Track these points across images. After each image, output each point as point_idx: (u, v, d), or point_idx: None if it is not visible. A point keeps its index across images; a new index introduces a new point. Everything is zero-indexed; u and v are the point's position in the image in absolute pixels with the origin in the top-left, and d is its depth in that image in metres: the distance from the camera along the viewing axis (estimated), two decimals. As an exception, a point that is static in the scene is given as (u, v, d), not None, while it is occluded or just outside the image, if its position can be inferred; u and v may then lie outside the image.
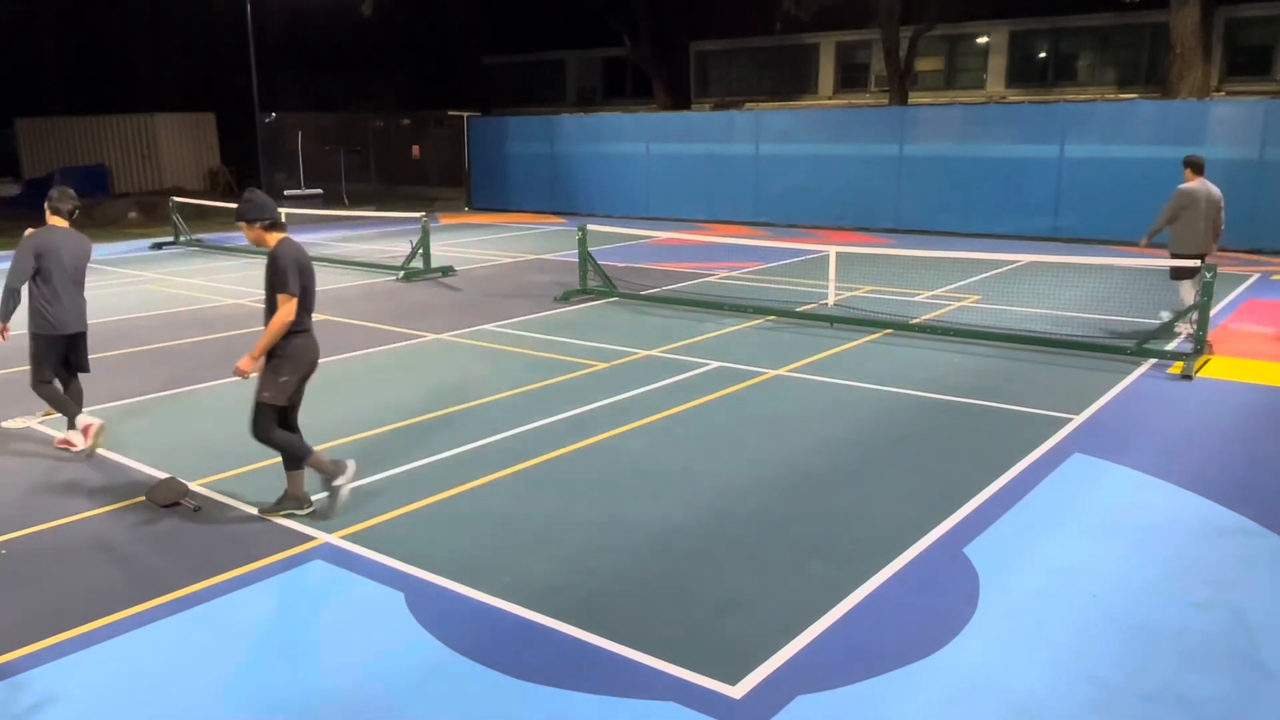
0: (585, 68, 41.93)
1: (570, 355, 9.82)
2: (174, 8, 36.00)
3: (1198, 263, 9.71)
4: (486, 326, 11.37)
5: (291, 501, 5.83)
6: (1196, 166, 10.42)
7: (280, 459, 5.82)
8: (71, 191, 7.21)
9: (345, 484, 5.76)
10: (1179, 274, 10.30)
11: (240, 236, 21.52)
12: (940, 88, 32.31)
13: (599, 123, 26.64)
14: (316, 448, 5.81)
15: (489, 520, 5.78)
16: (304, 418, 7.77)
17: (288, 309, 5.46)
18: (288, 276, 5.46)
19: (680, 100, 35.14)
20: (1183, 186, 10.30)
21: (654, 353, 9.91)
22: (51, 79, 39.03)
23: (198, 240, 20.15)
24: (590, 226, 13.73)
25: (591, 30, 36.38)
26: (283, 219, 5.67)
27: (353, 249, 19.09)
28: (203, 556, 5.31)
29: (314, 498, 5.87)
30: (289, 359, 5.59)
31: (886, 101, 27.49)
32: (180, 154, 32.90)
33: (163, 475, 6.36)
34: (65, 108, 36.59)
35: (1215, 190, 10.27)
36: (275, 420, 5.68)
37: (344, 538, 5.52)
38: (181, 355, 10.08)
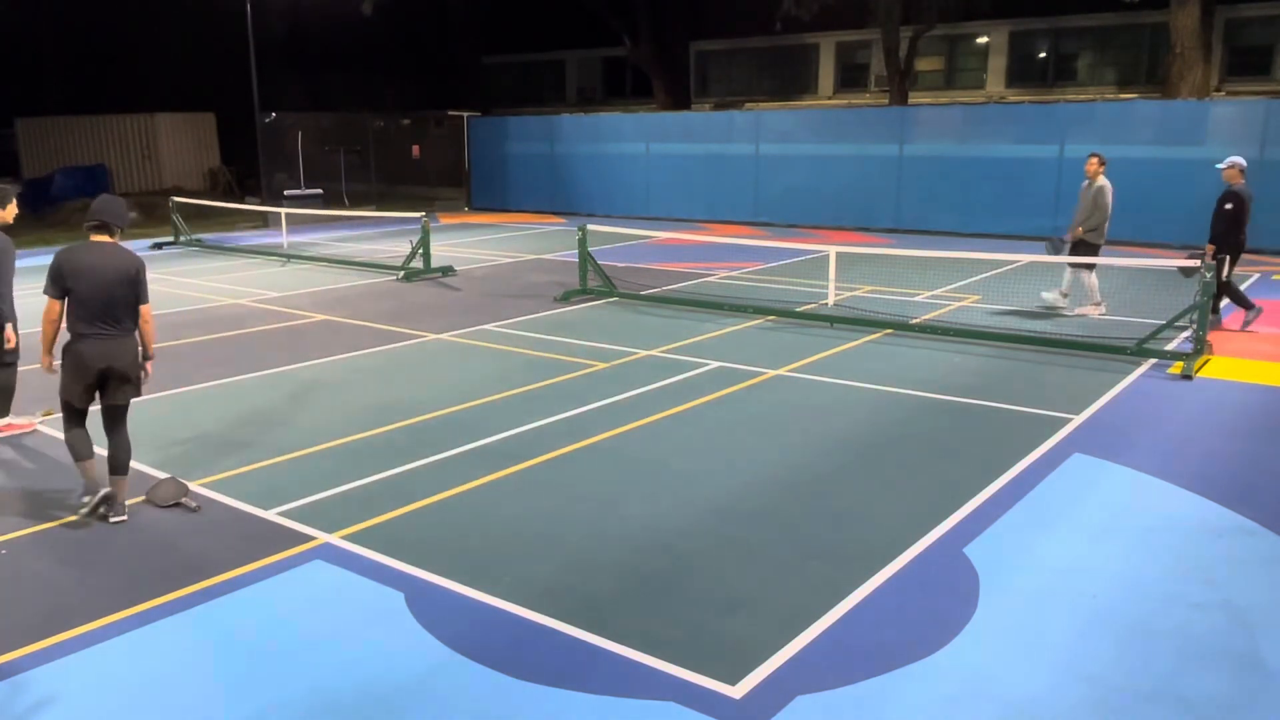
0: (585, 68, 41.92)
1: (570, 355, 9.82)
2: (174, 8, 35.99)
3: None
4: (486, 326, 11.38)
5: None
6: (1106, 164, 11.47)
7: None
8: None
9: (87, 504, 5.85)
10: (1085, 262, 11.44)
11: (240, 237, 21.62)
12: (940, 88, 32.30)
13: (599, 123, 26.63)
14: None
15: (489, 520, 5.78)
16: (306, 418, 7.80)
17: (45, 309, 5.74)
18: (46, 277, 5.70)
19: (680, 100, 35.12)
20: (1106, 183, 11.27)
21: (654, 353, 9.91)
22: (51, 79, 39.04)
23: (198, 240, 20.15)
24: (590, 226, 13.73)
25: (591, 30, 36.38)
26: (107, 223, 5.79)
27: (353, 249, 19.09)
28: (202, 556, 5.32)
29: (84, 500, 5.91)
30: (63, 364, 5.79)
31: (886, 101, 27.48)
32: (180, 154, 32.92)
33: (163, 475, 6.36)
34: (65, 108, 36.59)
35: None
36: (70, 417, 5.89)
37: (344, 538, 5.52)
38: (181, 355, 10.08)
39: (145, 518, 5.86)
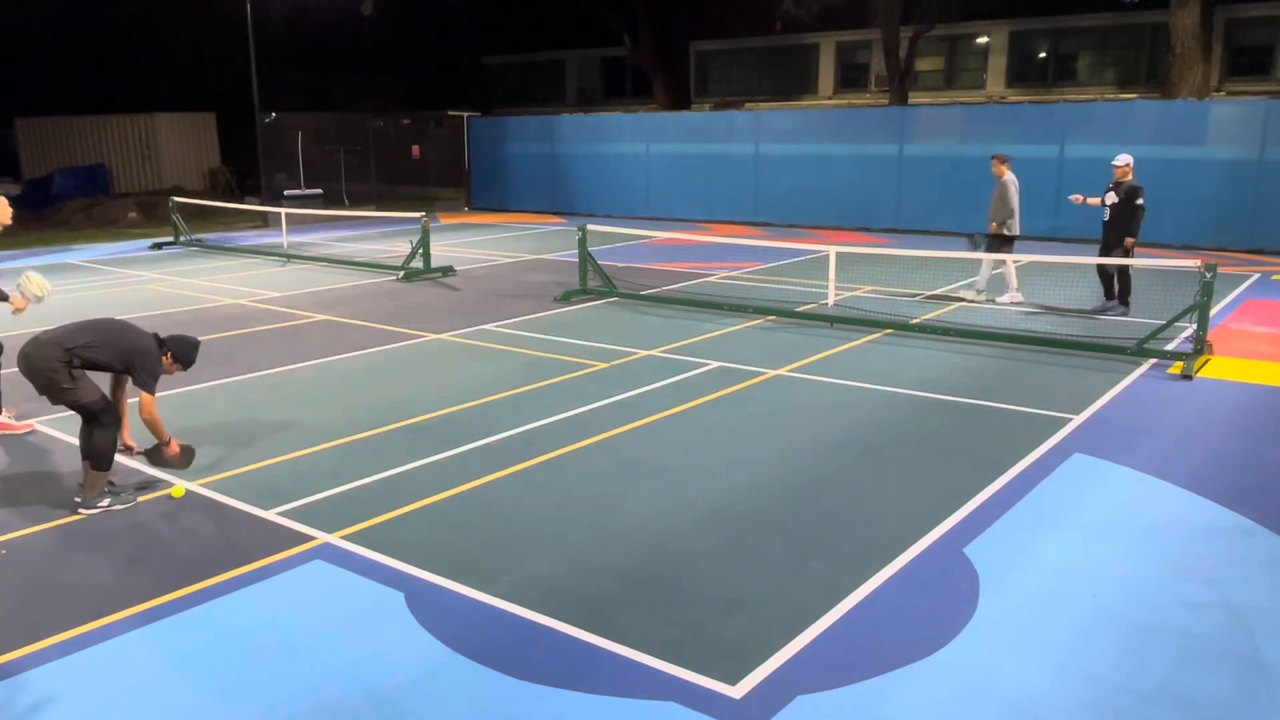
0: (585, 68, 41.91)
1: (570, 355, 9.82)
2: (174, 8, 35.99)
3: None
4: (486, 326, 11.37)
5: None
6: (1008, 161, 12.59)
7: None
8: None
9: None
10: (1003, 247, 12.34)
11: (240, 237, 21.60)
12: (940, 88, 32.29)
13: (599, 123, 26.63)
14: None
15: (489, 520, 5.78)
16: (306, 418, 7.81)
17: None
18: None
19: (680, 100, 35.11)
20: (1010, 178, 12.29)
21: (654, 353, 9.91)
22: (51, 79, 39.03)
23: (198, 240, 20.14)
24: (590, 226, 13.73)
25: (591, 30, 36.37)
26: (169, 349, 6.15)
27: (353, 249, 19.09)
28: (203, 556, 5.32)
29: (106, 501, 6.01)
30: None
31: (886, 101, 27.48)
32: (180, 154, 32.88)
33: (162, 476, 6.37)
34: (65, 108, 36.58)
35: None
36: None
37: (344, 538, 5.52)
38: (181, 355, 10.07)
39: (145, 518, 5.86)
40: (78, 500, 5.94)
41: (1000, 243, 12.25)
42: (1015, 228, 12.29)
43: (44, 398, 5.93)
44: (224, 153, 33.74)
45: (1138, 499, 6.07)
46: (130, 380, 6.10)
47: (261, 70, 24.13)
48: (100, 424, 5.90)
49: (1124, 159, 11.46)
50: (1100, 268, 11.93)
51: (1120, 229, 11.33)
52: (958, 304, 12.50)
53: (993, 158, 12.60)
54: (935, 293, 13.19)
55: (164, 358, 6.10)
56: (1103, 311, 11.78)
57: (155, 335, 6.12)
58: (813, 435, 7.32)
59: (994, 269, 12.75)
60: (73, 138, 33.03)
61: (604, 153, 25.68)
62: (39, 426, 7.63)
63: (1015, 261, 12.44)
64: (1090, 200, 11.83)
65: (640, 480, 6.42)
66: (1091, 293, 12.38)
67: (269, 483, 6.39)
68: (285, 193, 24.08)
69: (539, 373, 9.14)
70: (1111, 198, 11.41)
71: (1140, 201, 11.24)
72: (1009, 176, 12.28)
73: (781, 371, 9.15)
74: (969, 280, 13.22)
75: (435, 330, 11.21)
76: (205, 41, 36.08)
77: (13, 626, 4.59)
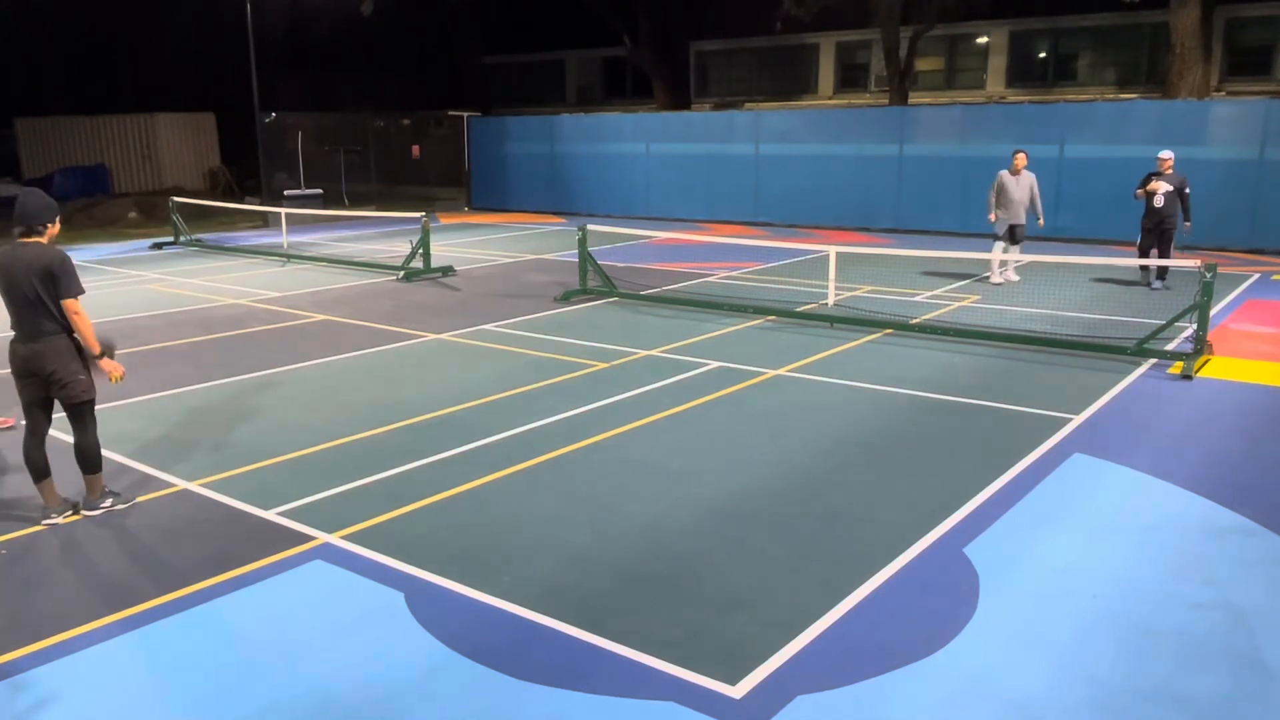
0: (585, 68, 41.91)
1: (570, 355, 9.82)
2: (174, 8, 36.00)
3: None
4: (486, 326, 11.37)
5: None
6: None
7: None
8: None
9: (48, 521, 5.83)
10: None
11: (240, 237, 21.59)
12: (940, 88, 32.29)
13: (599, 123, 26.62)
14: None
15: (489, 520, 5.78)
16: (306, 418, 7.80)
17: None
18: None
19: (680, 100, 35.12)
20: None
21: (654, 353, 9.91)
22: (51, 79, 39.04)
23: (198, 240, 20.14)
24: (590, 226, 13.72)
25: (591, 30, 36.38)
26: (30, 225, 5.61)
27: (353, 249, 19.09)
28: (202, 557, 5.32)
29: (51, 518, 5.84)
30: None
31: (886, 101, 27.48)
32: (180, 154, 32.91)
33: (161, 476, 6.37)
34: (65, 108, 36.59)
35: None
36: (27, 429, 5.87)
37: (344, 538, 5.52)
38: (181, 355, 10.08)
39: (145, 518, 5.86)
40: (77, 502, 5.93)
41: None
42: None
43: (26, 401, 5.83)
44: (224, 153, 33.76)
45: (1138, 499, 6.07)
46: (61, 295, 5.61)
47: (261, 70, 24.13)
48: (84, 425, 5.86)
49: (1169, 154, 12.97)
50: (1143, 254, 12.95)
51: (1174, 214, 12.70)
52: (958, 304, 12.51)
53: (1020, 153, 14.11)
54: (983, 276, 14.36)
55: (51, 228, 5.67)
56: (1149, 285, 13.15)
57: (18, 235, 5.60)
58: (813, 435, 7.32)
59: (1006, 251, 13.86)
60: (73, 138, 33.05)
61: (604, 153, 25.67)
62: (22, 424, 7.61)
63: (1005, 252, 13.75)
64: (1154, 187, 12.67)
65: (640, 480, 6.42)
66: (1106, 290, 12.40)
67: (269, 483, 6.39)
68: (285, 193, 24.08)
69: (539, 373, 9.14)
70: (1166, 186, 12.62)
71: (1188, 190, 12.77)
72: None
73: (781, 371, 9.15)
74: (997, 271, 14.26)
75: (435, 330, 11.21)
76: (205, 41, 36.09)
77: (13, 626, 4.59)
